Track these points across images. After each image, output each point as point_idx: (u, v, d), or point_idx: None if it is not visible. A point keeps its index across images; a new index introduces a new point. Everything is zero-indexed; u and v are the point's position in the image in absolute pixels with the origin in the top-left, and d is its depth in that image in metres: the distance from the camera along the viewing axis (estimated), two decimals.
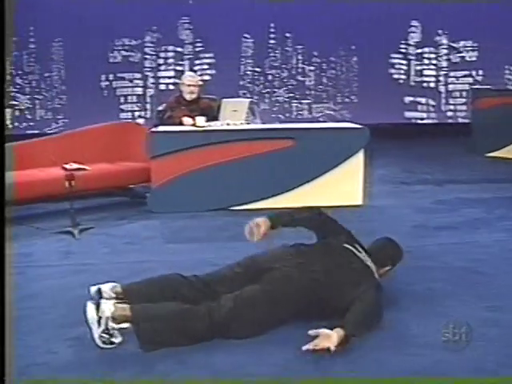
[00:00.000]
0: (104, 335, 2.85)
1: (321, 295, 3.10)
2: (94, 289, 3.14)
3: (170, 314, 2.92)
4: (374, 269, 3.29)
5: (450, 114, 11.23)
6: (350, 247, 3.32)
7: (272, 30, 10.46)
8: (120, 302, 2.97)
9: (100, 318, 2.86)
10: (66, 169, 4.76)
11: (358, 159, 5.71)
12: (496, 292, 3.58)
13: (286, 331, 3.03)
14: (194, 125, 5.66)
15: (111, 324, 2.85)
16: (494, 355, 2.80)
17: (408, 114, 11.11)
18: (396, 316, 3.17)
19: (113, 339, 2.86)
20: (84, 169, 4.86)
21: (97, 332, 2.85)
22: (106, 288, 3.12)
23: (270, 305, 3.03)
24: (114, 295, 3.08)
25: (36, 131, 9.38)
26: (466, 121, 10.30)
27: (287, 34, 10.51)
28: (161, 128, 5.72)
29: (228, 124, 5.68)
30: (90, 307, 2.90)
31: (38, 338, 2.99)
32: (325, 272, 3.15)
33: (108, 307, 2.87)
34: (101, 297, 3.06)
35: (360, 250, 3.34)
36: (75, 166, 4.80)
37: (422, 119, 11.18)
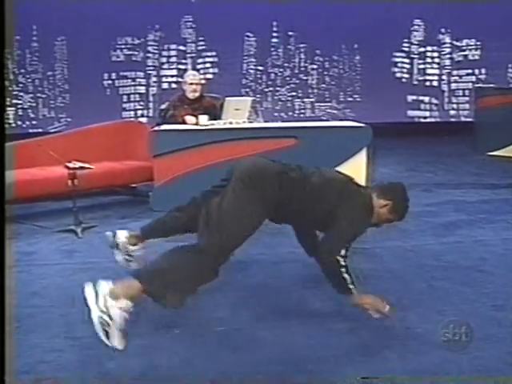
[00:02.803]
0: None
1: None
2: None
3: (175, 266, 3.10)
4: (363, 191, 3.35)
5: (452, 112, 11.22)
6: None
7: (275, 29, 10.45)
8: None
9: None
10: (68, 167, 4.75)
11: (361, 158, 5.69)
12: (500, 290, 3.58)
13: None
14: (196, 123, 5.66)
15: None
16: (499, 354, 2.80)
17: (411, 113, 11.09)
18: (399, 315, 3.16)
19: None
20: (87, 167, 4.85)
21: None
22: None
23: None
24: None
25: (39, 130, 9.40)
26: (469, 119, 10.31)
27: (290, 33, 10.50)
28: (163, 127, 5.72)
29: (231, 123, 5.67)
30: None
31: (41, 336, 2.99)
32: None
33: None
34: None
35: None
36: (78, 164, 4.78)
37: (424, 118, 11.16)
